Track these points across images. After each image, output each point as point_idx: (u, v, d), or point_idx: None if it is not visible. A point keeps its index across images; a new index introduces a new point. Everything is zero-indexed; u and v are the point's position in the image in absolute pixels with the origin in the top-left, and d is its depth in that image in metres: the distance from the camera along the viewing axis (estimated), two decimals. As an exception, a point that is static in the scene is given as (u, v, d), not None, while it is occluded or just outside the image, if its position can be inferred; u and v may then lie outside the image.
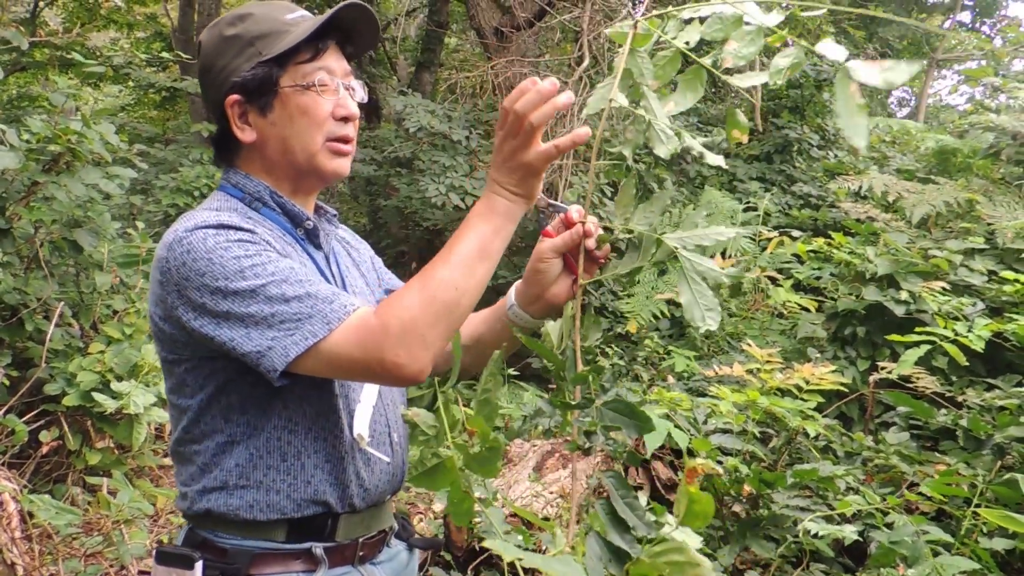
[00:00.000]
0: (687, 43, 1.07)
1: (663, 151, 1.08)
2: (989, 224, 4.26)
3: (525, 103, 1.06)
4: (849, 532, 2.03)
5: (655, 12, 1.10)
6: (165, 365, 1.19)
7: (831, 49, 0.88)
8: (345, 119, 1.20)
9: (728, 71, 1.04)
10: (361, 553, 1.23)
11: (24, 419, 3.06)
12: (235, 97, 1.17)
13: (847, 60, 0.86)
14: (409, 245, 8.43)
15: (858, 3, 11.47)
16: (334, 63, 1.20)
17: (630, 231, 1.15)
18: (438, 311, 1.05)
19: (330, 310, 1.05)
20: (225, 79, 1.18)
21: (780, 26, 1.01)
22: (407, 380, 1.07)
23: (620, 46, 1.10)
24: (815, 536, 2.17)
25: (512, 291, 1.32)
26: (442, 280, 1.06)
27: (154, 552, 1.19)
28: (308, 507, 1.16)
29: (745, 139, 1.07)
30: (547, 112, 1.06)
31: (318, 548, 1.17)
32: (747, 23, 1.02)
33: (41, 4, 10.34)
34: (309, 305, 1.05)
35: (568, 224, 1.20)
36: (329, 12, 1.17)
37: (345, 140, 1.21)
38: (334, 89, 1.19)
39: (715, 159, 1.11)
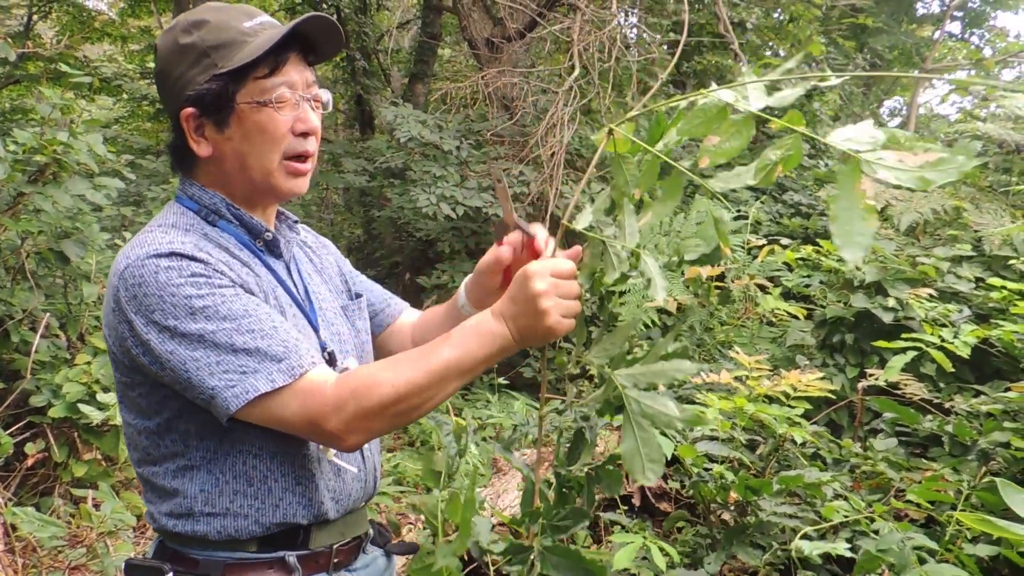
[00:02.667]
0: (665, 144, 0.96)
1: (611, 276, 1.02)
2: (976, 231, 4.27)
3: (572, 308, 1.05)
4: (842, 549, 2.02)
5: (637, 111, 1.03)
6: (120, 387, 1.17)
7: (849, 135, 0.72)
8: (305, 134, 1.17)
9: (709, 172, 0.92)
10: (336, 560, 1.22)
11: (9, 431, 3.05)
12: (190, 110, 1.14)
13: (865, 150, 0.68)
14: (403, 256, 8.42)
15: (848, 14, 11.55)
16: (295, 75, 1.15)
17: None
18: (398, 412, 1.04)
19: (277, 369, 1.03)
20: (180, 90, 1.14)
21: (769, 111, 0.86)
22: (339, 449, 1.08)
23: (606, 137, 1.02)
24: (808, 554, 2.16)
25: (462, 289, 1.34)
26: (414, 385, 1.03)
27: (123, 566, 1.18)
28: (278, 528, 1.15)
29: (729, 252, 1.01)
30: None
31: (291, 557, 1.16)
32: (735, 111, 0.88)
33: (35, 17, 10.35)
34: (256, 360, 1.03)
35: (533, 254, 1.20)
36: (289, 25, 1.13)
37: (303, 156, 1.18)
38: (294, 103, 1.15)
39: (660, 294, 0.99)
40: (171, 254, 1.06)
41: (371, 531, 1.33)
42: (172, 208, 1.19)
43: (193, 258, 1.06)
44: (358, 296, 1.42)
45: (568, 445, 1.14)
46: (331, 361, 1.23)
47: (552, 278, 1.04)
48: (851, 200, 0.69)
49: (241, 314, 1.05)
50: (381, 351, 1.45)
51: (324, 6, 9.51)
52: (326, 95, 1.21)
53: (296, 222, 1.34)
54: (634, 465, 0.96)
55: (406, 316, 1.51)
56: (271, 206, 1.26)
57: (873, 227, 0.68)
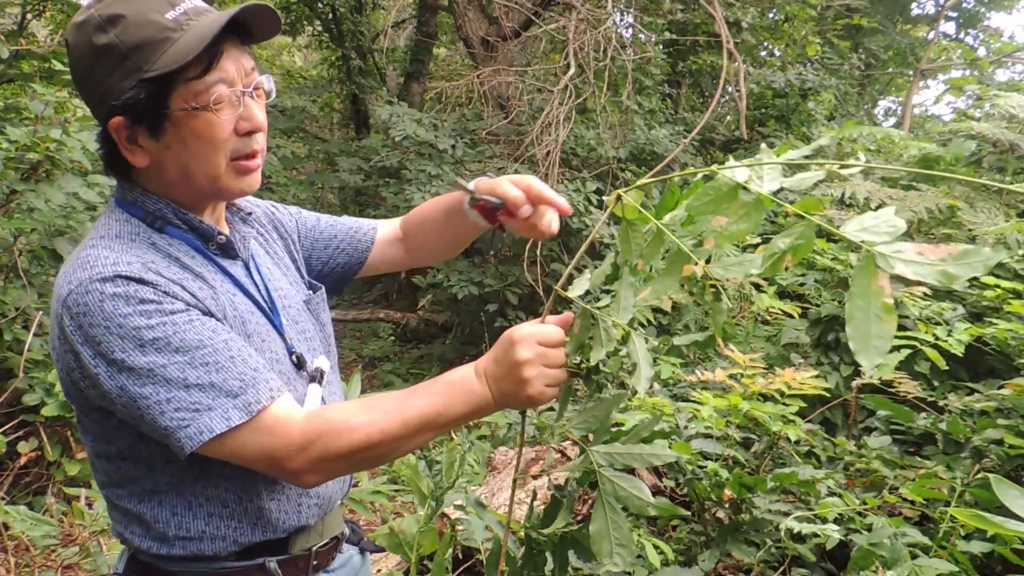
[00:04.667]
0: (672, 218, 0.92)
1: (597, 355, 0.98)
2: (970, 230, 4.28)
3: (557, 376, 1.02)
4: (831, 532, 2.03)
5: (645, 181, 1.01)
6: (77, 412, 1.08)
7: (865, 225, 0.67)
8: (250, 132, 1.06)
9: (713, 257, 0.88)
10: (315, 562, 1.20)
11: (2, 430, 3.03)
12: (119, 119, 1.00)
13: (882, 241, 0.62)
14: (397, 255, 8.41)
15: (843, 14, 11.57)
16: (231, 67, 1.02)
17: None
18: (365, 458, 1.01)
19: (233, 406, 0.96)
20: (103, 97, 1.00)
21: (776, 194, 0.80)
22: (296, 485, 1.03)
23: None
24: (795, 538, 2.16)
25: (469, 196, 1.26)
26: (387, 435, 0.99)
27: None
28: (258, 543, 1.12)
29: (723, 345, 0.97)
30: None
31: (271, 562, 1.13)
32: (745, 191, 0.82)
33: (28, 16, 10.31)
34: (211, 396, 0.96)
35: (507, 214, 1.19)
36: (222, 16, 1.00)
37: (251, 156, 1.07)
38: (233, 102, 1.03)
39: (642, 385, 0.96)
40: (116, 277, 0.95)
41: (346, 530, 1.30)
42: (113, 215, 1.07)
43: (141, 280, 0.96)
44: (316, 288, 1.33)
45: (543, 507, 1.11)
46: (299, 364, 1.17)
47: (539, 346, 1.00)
48: (867, 299, 0.64)
49: (195, 345, 0.97)
50: (373, 269, 1.43)
51: (320, 5, 9.50)
52: (268, 82, 1.09)
53: (249, 214, 1.23)
54: (602, 547, 0.94)
55: (383, 231, 1.44)
56: (221, 205, 1.17)
57: (891, 329, 0.62)
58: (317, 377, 1.19)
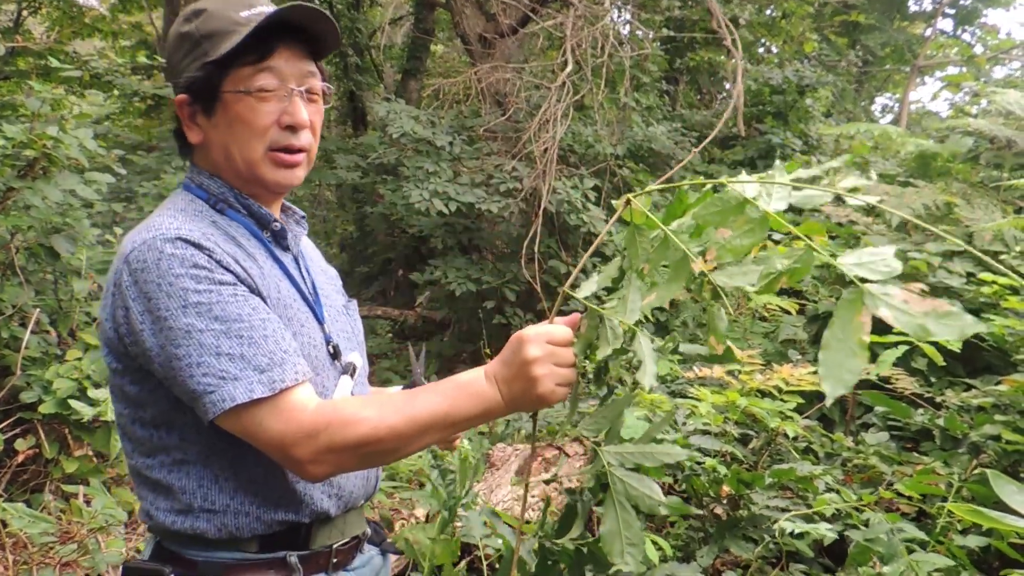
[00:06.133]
0: (679, 225, 0.93)
1: (603, 352, 0.99)
2: (968, 227, 4.29)
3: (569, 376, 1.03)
4: (825, 530, 2.03)
5: (655, 187, 1.02)
6: (113, 375, 1.13)
7: (862, 260, 0.68)
8: (292, 128, 1.14)
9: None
10: (335, 560, 1.20)
11: (0, 427, 3.03)
12: (183, 97, 1.15)
13: (876, 280, 0.64)
14: (396, 252, 8.42)
15: (841, 11, 11.57)
16: (285, 65, 1.13)
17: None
18: (371, 453, 1.02)
19: (258, 380, 1.00)
20: (177, 78, 1.16)
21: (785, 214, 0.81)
22: (303, 477, 1.05)
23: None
24: (792, 535, 2.17)
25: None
26: (394, 431, 1.01)
27: (121, 570, 1.15)
28: (280, 525, 1.13)
29: (720, 349, 0.94)
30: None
31: (292, 557, 1.14)
32: (753, 207, 0.84)
33: (24, 13, 10.29)
34: (238, 367, 1.00)
35: None
36: (270, 12, 1.11)
37: (289, 149, 1.15)
38: (281, 95, 1.13)
39: (648, 380, 0.95)
40: (177, 239, 1.04)
41: (368, 530, 1.31)
42: (181, 195, 1.18)
43: (199, 246, 1.04)
44: (351, 300, 1.40)
45: (559, 515, 1.11)
46: (335, 354, 1.21)
47: (548, 345, 1.01)
48: (847, 332, 0.66)
49: (234, 317, 1.02)
50: None
51: (317, 1, 9.48)
52: (327, 89, 1.20)
53: (303, 217, 1.32)
54: (613, 547, 0.95)
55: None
56: (272, 199, 1.24)
57: (862, 364, 0.64)
58: (349, 371, 1.22)
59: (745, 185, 0.86)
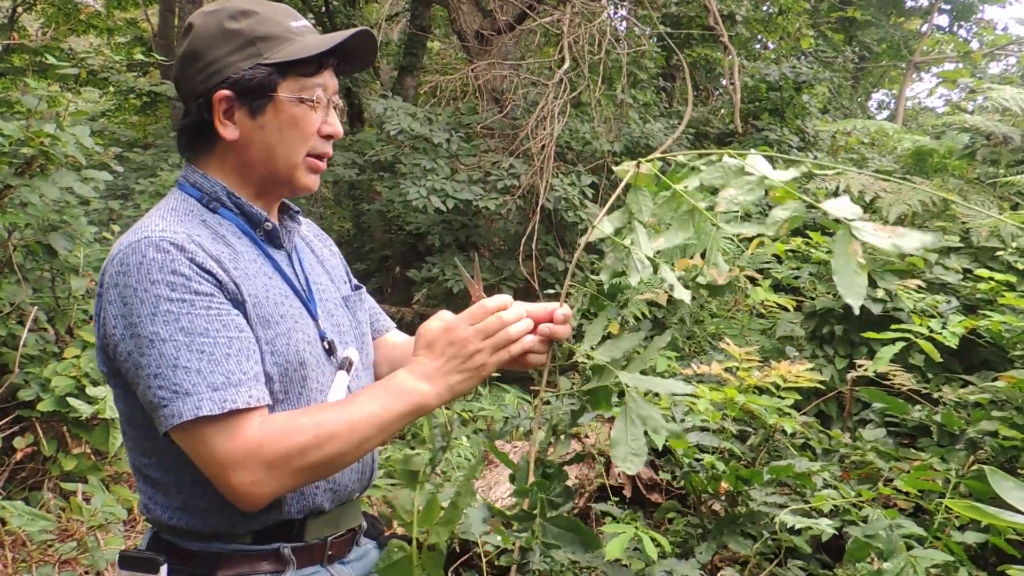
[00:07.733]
0: (685, 187, 1.08)
1: (635, 279, 1.10)
2: (964, 223, 4.30)
3: (522, 328, 1.13)
4: (824, 525, 2.04)
5: (659, 154, 1.13)
6: (108, 376, 1.16)
7: (838, 205, 0.87)
8: (329, 136, 1.21)
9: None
10: (330, 552, 1.21)
11: (-3, 425, 3.02)
12: (225, 92, 1.14)
13: (852, 218, 0.84)
14: (393, 249, 8.40)
15: (837, 7, 11.58)
16: (329, 80, 1.21)
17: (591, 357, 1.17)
18: (313, 463, 1.04)
19: (208, 398, 1.00)
20: (216, 72, 1.15)
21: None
22: (241, 506, 1.05)
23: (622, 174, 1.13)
24: (791, 530, 2.18)
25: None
26: (332, 436, 1.04)
27: (117, 558, 1.17)
28: (273, 520, 1.15)
29: (721, 278, 1.07)
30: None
31: (286, 548, 1.16)
32: (749, 173, 1.02)
33: (19, 10, 10.25)
34: (191, 382, 1.00)
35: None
36: (345, 34, 1.18)
37: (323, 157, 1.22)
38: (325, 106, 1.20)
39: (683, 294, 1.09)
40: (161, 241, 1.05)
41: (364, 523, 1.33)
42: (174, 194, 1.20)
43: (182, 248, 1.05)
44: (358, 287, 1.42)
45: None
46: (330, 350, 1.23)
47: (469, 326, 1.10)
48: (846, 258, 0.84)
49: (200, 331, 1.03)
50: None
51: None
52: (343, 104, 1.27)
53: (298, 212, 1.34)
54: (619, 450, 1.05)
55: (391, 335, 1.51)
56: (278, 199, 1.27)
57: (865, 280, 0.84)
58: (345, 366, 1.24)
59: (737, 159, 1.05)
